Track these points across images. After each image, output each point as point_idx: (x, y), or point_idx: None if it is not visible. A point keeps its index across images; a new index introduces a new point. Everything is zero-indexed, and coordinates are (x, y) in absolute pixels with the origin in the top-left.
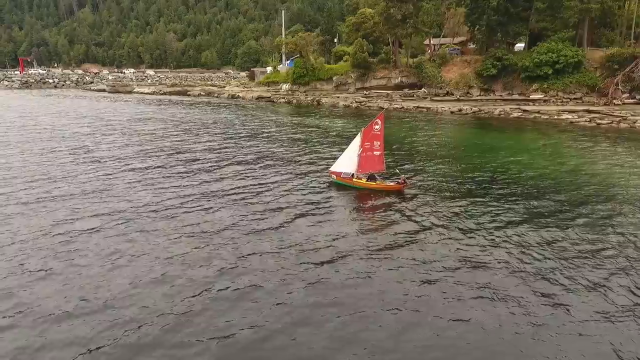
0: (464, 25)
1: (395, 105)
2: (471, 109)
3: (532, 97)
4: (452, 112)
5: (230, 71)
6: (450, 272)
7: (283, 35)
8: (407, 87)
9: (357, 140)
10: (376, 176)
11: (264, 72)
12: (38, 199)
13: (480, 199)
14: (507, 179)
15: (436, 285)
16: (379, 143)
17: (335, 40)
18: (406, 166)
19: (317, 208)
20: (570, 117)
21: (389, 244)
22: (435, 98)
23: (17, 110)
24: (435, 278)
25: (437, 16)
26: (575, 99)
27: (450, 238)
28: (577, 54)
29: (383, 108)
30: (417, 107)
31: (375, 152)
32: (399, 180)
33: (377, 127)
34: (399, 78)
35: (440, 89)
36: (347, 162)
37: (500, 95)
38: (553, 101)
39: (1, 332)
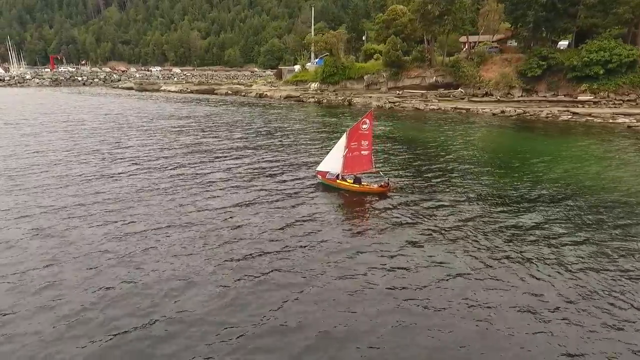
0: (500, 22)
1: (432, 106)
2: (515, 110)
3: (580, 98)
4: (493, 114)
5: (256, 69)
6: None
7: (312, 33)
8: (442, 87)
9: (342, 141)
10: (362, 178)
11: (292, 71)
12: (68, 194)
13: (515, 207)
14: (555, 191)
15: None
16: (367, 142)
17: (364, 37)
18: (438, 173)
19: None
20: (627, 120)
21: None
22: (473, 99)
23: (49, 107)
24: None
25: (471, 12)
26: (628, 101)
27: (476, 249)
28: (632, 53)
29: (419, 109)
30: (455, 108)
31: (363, 152)
32: (382, 183)
33: (365, 126)
34: (434, 77)
35: (479, 89)
36: (332, 163)
37: (545, 96)
38: (604, 103)
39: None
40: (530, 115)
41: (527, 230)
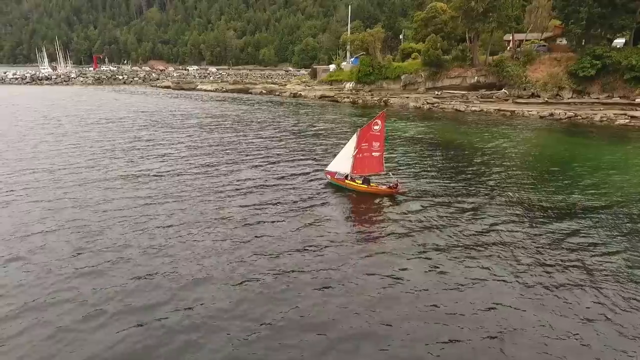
0: (549, 19)
1: (473, 108)
2: (565, 113)
3: (638, 100)
4: (541, 117)
5: (290, 68)
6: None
7: (348, 32)
8: (484, 87)
9: (352, 141)
10: (370, 179)
11: (327, 70)
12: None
13: (555, 218)
14: (608, 203)
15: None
16: (378, 144)
17: (401, 36)
18: (469, 177)
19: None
20: None
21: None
22: (518, 100)
23: (90, 104)
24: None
25: (517, 9)
26: None
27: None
28: None
29: (459, 110)
30: (499, 110)
31: (374, 153)
32: (391, 185)
33: (376, 127)
34: (476, 77)
35: (524, 89)
36: (342, 163)
37: (598, 98)
38: None
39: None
40: (583, 118)
41: (565, 242)
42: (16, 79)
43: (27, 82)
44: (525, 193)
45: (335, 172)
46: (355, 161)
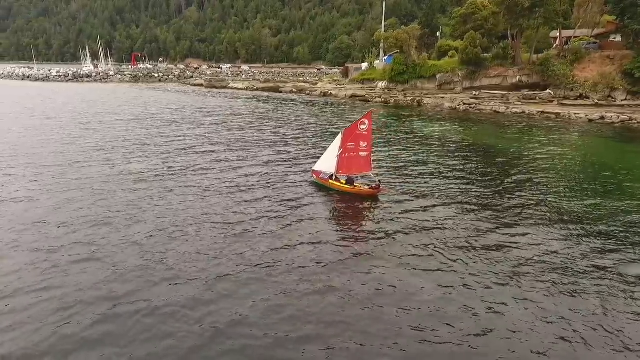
0: (599, 14)
1: (514, 109)
2: (618, 117)
3: None
4: (590, 120)
5: (323, 67)
6: None
7: (382, 29)
8: (527, 87)
9: (337, 141)
10: (354, 179)
11: (359, 69)
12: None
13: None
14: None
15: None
16: (365, 144)
17: (438, 34)
18: (495, 183)
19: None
20: None
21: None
22: (564, 102)
23: (123, 101)
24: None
25: (564, 3)
26: None
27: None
28: None
29: (498, 112)
30: (542, 112)
31: (361, 153)
32: (373, 185)
33: (363, 126)
34: (518, 77)
35: (572, 90)
36: (327, 163)
37: None
38: None
39: None
40: (638, 123)
41: (594, 263)
42: (59, 76)
43: (69, 80)
44: (555, 202)
45: (321, 172)
46: (340, 161)
